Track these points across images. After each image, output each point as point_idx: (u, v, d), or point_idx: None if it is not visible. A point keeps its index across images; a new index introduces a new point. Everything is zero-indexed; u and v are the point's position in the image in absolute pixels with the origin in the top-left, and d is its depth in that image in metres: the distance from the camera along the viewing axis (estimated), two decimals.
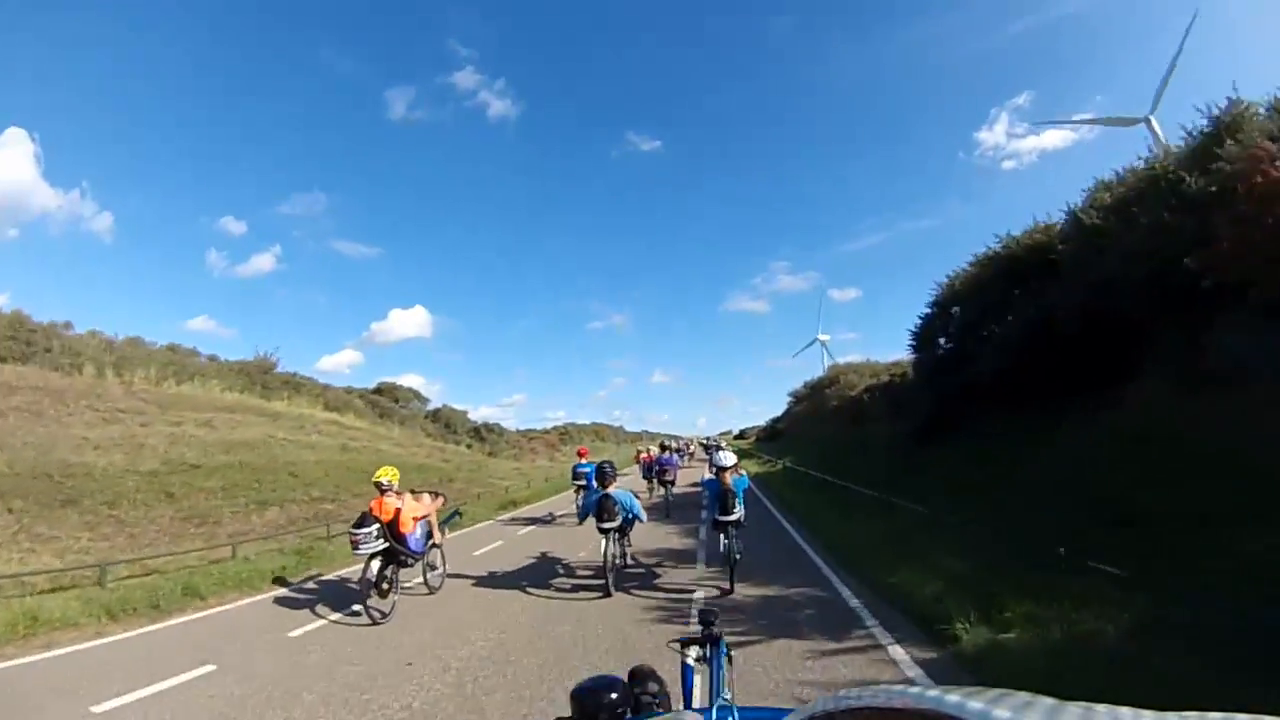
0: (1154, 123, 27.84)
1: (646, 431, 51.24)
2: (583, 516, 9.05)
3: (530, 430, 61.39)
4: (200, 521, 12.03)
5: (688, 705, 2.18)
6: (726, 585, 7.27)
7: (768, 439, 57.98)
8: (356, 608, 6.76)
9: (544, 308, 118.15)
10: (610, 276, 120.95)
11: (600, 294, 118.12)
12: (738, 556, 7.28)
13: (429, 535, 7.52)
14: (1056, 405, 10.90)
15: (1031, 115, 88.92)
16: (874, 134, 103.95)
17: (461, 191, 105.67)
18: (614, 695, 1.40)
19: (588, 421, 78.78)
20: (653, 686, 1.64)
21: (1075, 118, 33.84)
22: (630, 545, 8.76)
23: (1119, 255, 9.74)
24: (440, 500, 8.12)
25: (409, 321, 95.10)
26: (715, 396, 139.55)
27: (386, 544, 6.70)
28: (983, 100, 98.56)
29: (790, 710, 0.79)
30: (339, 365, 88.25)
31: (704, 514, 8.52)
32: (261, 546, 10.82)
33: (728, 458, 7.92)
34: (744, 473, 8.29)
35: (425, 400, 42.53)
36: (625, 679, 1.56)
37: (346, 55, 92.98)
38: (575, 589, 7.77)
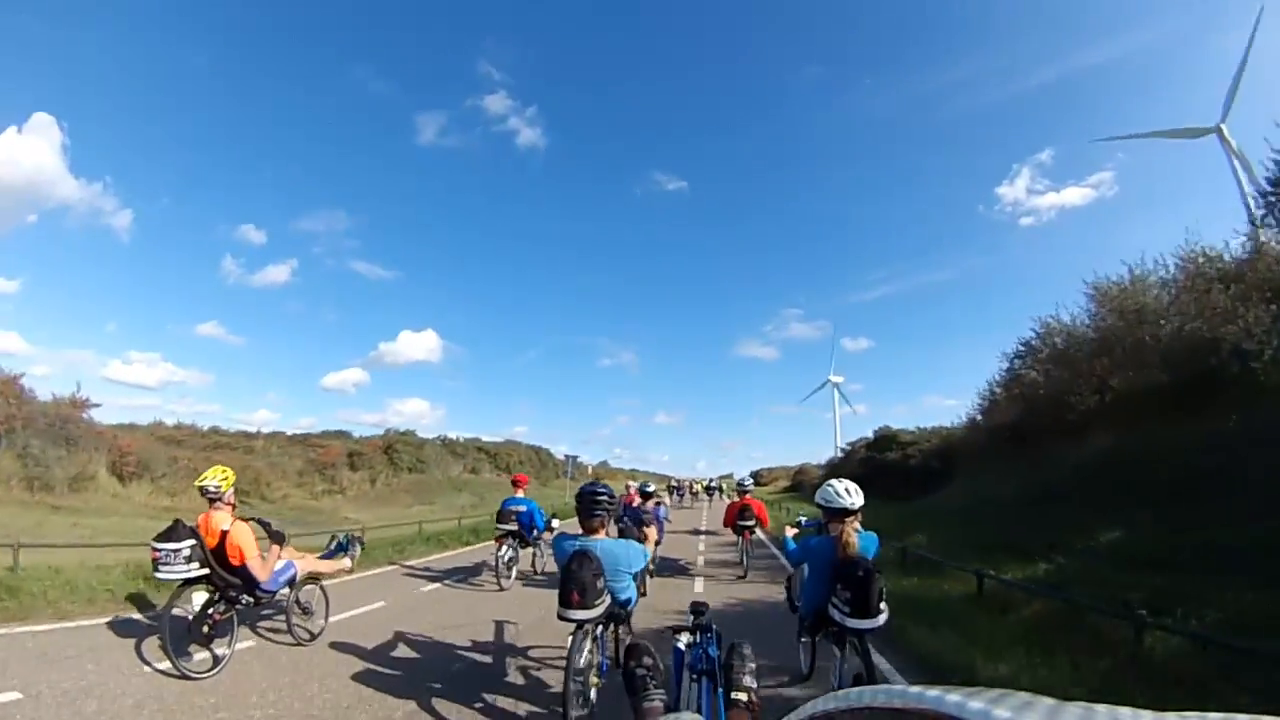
0: (1225, 131, 26.23)
1: (606, 464, 37.39)
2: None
3: (309, 433, 35.03)
4: None
5: (676, 685, 2.54)
6: None
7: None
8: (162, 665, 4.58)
9: (554, 341, 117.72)
10: (623, 313, 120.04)
11: (611, 331, 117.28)
12: None
13: (291, 573, 5.61)
14: None
15: (1054, 172, 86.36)
16: (894, 183, 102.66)
17: (482, 219, 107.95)
18: (648, 659, 1.87)
19: (594, 459, 52.87)
20: (647, 660, 1.95)
21: (1142, 132, 31.65)
22: (630, 635, 4.57)
23: None
24: (276, 550, 5.47)
25: (418, 345, 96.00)
26: (718, 440, 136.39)
27: (205, 570, 4.78)
28: (1005, 155, 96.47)
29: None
30: (344, 383, 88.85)
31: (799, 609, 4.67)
32: None
33: (853, 495, 3.92)
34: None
35: None
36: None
37: (379, 75, 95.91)
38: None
